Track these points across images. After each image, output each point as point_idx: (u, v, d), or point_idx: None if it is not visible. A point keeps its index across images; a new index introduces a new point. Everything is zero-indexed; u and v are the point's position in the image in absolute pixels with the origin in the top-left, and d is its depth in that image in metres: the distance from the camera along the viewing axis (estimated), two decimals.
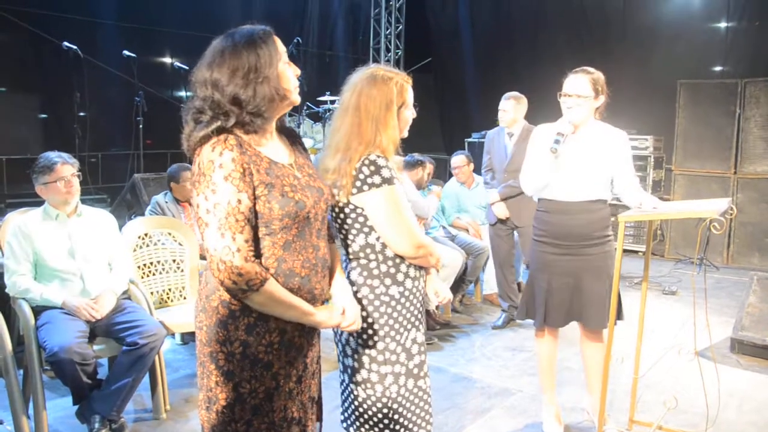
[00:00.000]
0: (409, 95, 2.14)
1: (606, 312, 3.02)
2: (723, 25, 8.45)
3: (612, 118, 3.17)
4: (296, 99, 1.81)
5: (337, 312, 1.89)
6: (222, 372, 1.75)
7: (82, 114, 6.87)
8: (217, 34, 1.78)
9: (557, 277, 3.10)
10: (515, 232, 4.96)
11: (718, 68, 8.50)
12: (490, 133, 5.10)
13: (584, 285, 3.06)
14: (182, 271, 3.96)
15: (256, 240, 1.71)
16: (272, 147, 1.81)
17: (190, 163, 1.74)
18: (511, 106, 4.80)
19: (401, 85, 2.10)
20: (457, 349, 4.53)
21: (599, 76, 3.05)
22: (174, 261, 3.95)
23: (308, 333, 1.86)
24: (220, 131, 1.68)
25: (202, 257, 4.44)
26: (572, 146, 3.03)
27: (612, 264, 3.03)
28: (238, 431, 1.77)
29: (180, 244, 3.97)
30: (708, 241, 7.17)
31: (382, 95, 2.05)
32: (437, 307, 5.15)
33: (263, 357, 1.76)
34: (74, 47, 6.20)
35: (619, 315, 3.09)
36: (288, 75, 1.78)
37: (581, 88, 2.99)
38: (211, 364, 1.76)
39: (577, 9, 9.50)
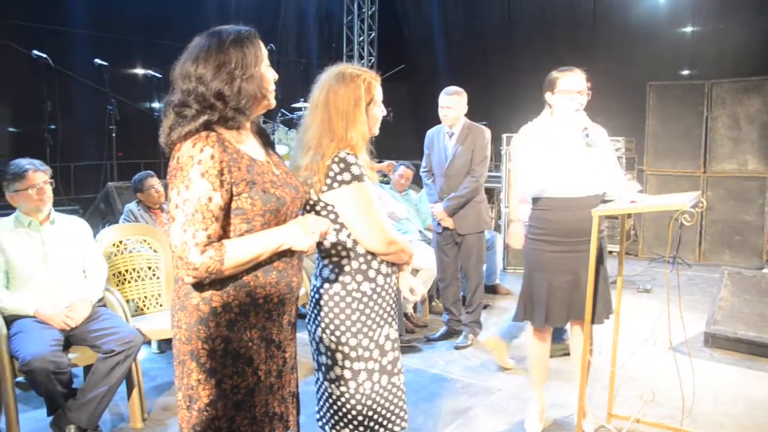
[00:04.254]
0: (378, 92, 2.16)
1: (603, 307, 3.07)
2: (689, 29, 8.65)
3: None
4: (273, 102, 1.85)
5: (305, 220, 1.86)
6: (204, 369, 1.74)
7: (53, 125, 6.77)
8: (188, 43, 1.78)
9: (558, 276, 3.10)
10: (457, 242, 4.67)
11: (686, 71, 8.69)
12: (430, 133, 4.79)
13: (583, 281, 3.05)
14: (158, 278, 3.92)
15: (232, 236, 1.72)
16: (250, 145, 1.83)
17: (168, 161, 1.73)
18: (455, 102, 4.50)
19: (369, 82, 2.13)
20: (436, 351, 4.54)
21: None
22: (149, 268, 3.92)
23: (286, 328, 1.88)
24: (206, 126, 1.70)
25: None
26: (568, 141, 3.05)
27: (606, 258, 3.08)
28: (221, 428, 1.76)
29: (155, 251, 3.93)
30: (680, 239, 7.29)
31: (350, 92, 2.08)
32: (414, 309, 5.17)
33: (245, 352, 1.76)
34: (44, 56, 6.11)
35: (608, 311, 3.14)
36: (269, 77, 1.82)
37: (584, 84, 3.07)
38: (192, 362, 1.75)
39: (549, 14, 9.70)
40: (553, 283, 3.10)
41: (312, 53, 10.87)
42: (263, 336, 1.79)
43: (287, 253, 1.81)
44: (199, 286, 1.69)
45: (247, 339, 1.76)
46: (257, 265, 1.74)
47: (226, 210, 1.70)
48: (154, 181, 4.64)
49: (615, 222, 7.06)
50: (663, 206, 2.81)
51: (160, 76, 6.99)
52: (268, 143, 1.96)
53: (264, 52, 1.81)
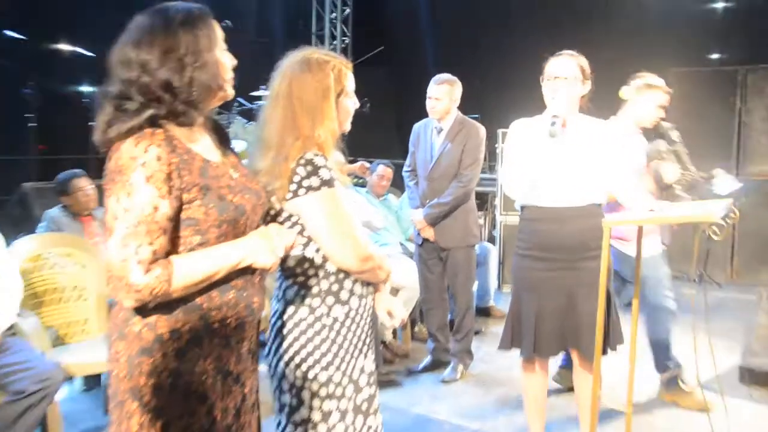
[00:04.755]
0: (350, 82, 2.19)
1: (605, 337, 3.07)
2: (721, 5, 8.69)
3: (593, 112, 3.25)
4: (230, 92, 1.86)
5: (267, 232, 1.85)
6: (148, 410, 1.71)
7: None
8: (128, 16, 1.77)
9: (548, 298, 3.12)
10: (441, 256, 4.69)
11: (715, 55, 8.75)
12: (416, 127, 4.85)
13: (579, 306, 3.08)
14: (85, 299, 3.89)
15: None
16: (203, 143, 1.84)
17: (102, 158, 1.72)
18: (445, 92, 4.52)
19: (339, 69, 2.15)
20: (419, 386, 4.54)
21: (584, 60, 3.17)
22: (75, 288, 3.88)
23: (246, 357, 1.88)
24: (152, 121, 1.69)
25: None
26: (562, 141, 3.07)
27: (611, 279, 3.11)
28: None
29: (82, 267, 3.90)
30: (708, 254, 7.32)
31: (317, 81, 2.09)
32: (394, 336, 5.16)
33: (197, 388, 1.74)
34: None
35: (617, 339, 3.16)
36: (226, 63, 1.82)
37: (569, 69, 3.10)
38: (133, 402, 1.71)
39: None
40: (543, 306, 3.13)
41: (275, 31, 10.89)
42: (219, 367, 1.79)
43: (247, 270, 1.80)
44: (142, 310, 1.68)
45: (200, 371, 1.74)
46: (212, 284, 1.74)
47: (175, 220, 1.69)
48: (84, 183, 4.57)
49: None
50: (687, 218, 2.82)
51: (92, 54, 6.88)
52: (223, 141, 1.96)
53: (219, 33, 1.81)
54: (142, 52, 1.69)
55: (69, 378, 3.62)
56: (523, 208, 3.23)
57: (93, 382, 4.34)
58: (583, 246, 3.09)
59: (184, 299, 1.70)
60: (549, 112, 3.08)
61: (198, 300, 1.72)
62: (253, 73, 9.26)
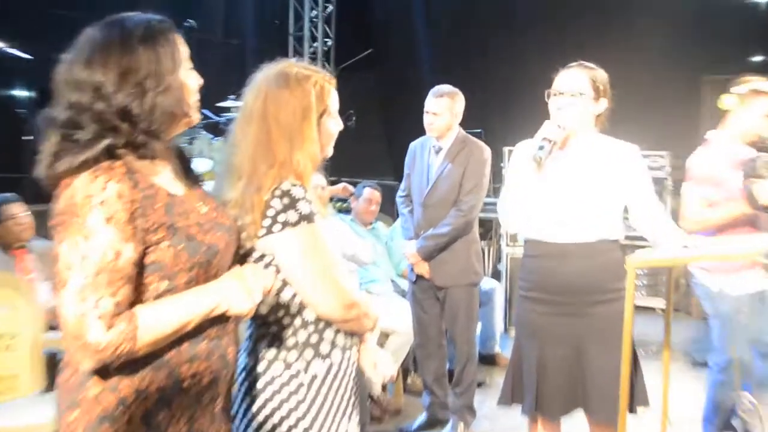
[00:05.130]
0: (333, 100, 2.21)
1: (616, 397, 2.98)
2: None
3: (614, 130, 3.22)
4: (196, 117, 1.89)
5: (242, 273, 1.84)
6: None
7: None
8: (73, 10, 1.70)
9: (552, 347, 3.10)
10: (438, 296, 4.69)
11: (758, 58, 8.70)
12: (413, 146, 4.86)
13: (590, 359, 3.05)
14: (15, 350, 3.80)
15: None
16: (166, 175, 1.85)
17: (48, 196, 1.71)
18: (446, 107, 4.52)
19: (321, 86, 2.16)
20: None
21: (601, 74, 3.13)
22: (2, 336, 3.78)
23: (219, 417, 1.91)
24: (108, 152, 1.68)
25: (53, 327, 4.26)
26: (565, 165, 3.06)
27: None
28: None
29: (13, 309, 3.84)
30: None
31: (296, 99, 2.10)
32: (383, 389, 5.08)
33: None
34: None
35: (640, 400, 3.10)
36: (191, 86, 1.85)
37: (577, 84, 3.06)
38: None
39: None
40: (546, 357, 3.10)
41: (247, 32, 10.89)
42: (192, 430, 1.81)
43: (221, 317, 1.80)
44: (102, 370, 1.65)
45: None
46: (182, 335, 1.74)
47: (139, 265, 1.69)
48: (16, 209, 4.52)
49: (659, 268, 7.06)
50: (730, 256, 2.78)
51: (28, 56, 6.77)
52: (187, 168, 1.98)
53: (183, 50, 1.81)
54: (95, 73, 1.68)
55: None
56: (525, 242, 3.24)
57: None
58: (593, 288, 3.06)
59: (151, 354, 1.69)
60: (540, 134, 3.05)
61: (166, 354, 1.72)
62: (221, 80, 9.25)
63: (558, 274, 3.07)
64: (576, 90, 3.05)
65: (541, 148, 2.96)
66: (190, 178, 1.95)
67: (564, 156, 3.06)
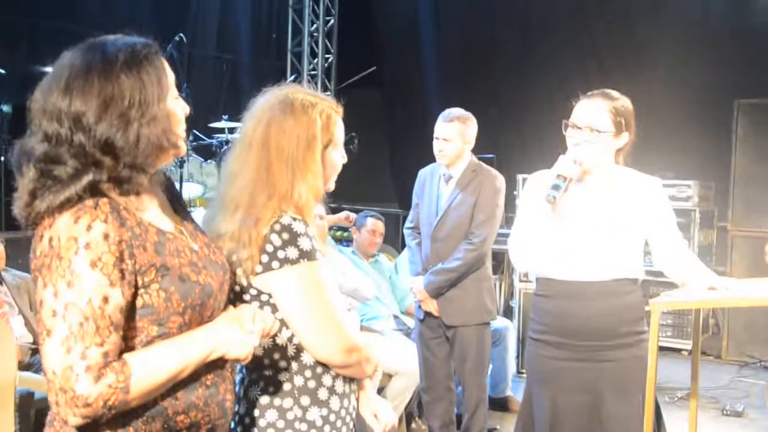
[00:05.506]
0: (339, 131, 2.21)
1: None
2: None
3: (637, 156, 3.24)
4: (184, 148, 1.86)
5: (239, 315, 1.84)
6: None
7: None
8: (52, 20, 1.71)
9: (567, 394, 3.10)
10: (447, 335, 4.70)
11: None
12: (422, 174, 4.91)
13: (607, 407, 3.04)
14: None
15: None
16: (153, 210, 1.82)
17: (25, 234, 1.71)
18: (456, 132, 4.54)
19: (328, 115, 2.17)
20: None
21: (625, 104, 3.12)
22: None
23: None
24: (92, 190, 1.65)
25: (27, 366, 4.25)
26: (582, 199, 3.08)
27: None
28: None
29: None
30: None
31: (300, 128, 2.11)
32: None
33: None
34: None
35: None
36: (178, 115, 1.81)
37: (597, 118, 3.05)
38: None
39: (588, 4, 9.73)
40: (560, 405, 3.10)
41: (241, 47, 10.91)
42: None
43: (218, 362, 1.80)
44: (92, 425, 1.62)
45: None
46: (177, 383, 1.72)
47: (129, 310, 1.67)
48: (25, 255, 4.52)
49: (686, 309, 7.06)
50: (760, 300, 2.78)
51: (1, 71, 6.76)
52: (176, 200, 1.97)
53: (171, 75, 1.80)
54: (75, 101, 1.64)
55: None
56: (537, 280, 3.25)
57: None
58: (611, 330, 3.07)
59: (144, 405, 1.67)
60: (555, 170, 3.05)
61: (160, 404, 1.70)
62: (213, 97, 9.29)
63: (573, 316, 3.07)
64: (595, 125, 3.03)
65: (555, 187, 2.96)
66: (179, 211, 1.95)
67: (581, 189, 3.07)
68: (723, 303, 2.88)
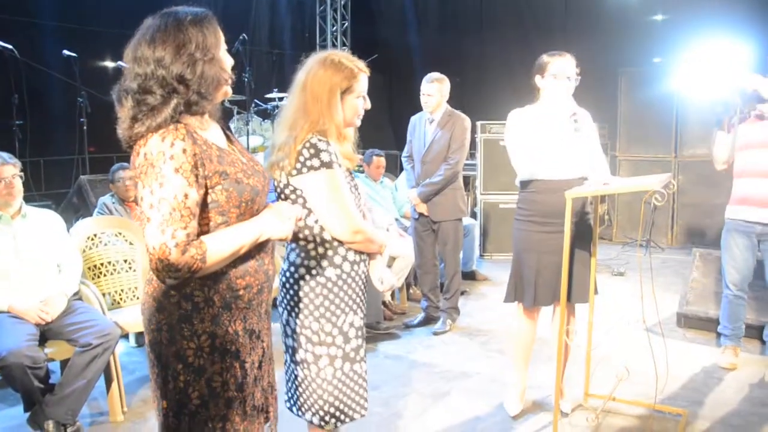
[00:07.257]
0: (359, 84, 2.14)
1: (588, 287, 3.12)
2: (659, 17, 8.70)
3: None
4: (230, 91, 1.79)
5: (278, 208, 1.83)
6: (192, 369, 1.70)
7: (21, 119, 6.61)
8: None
9: (546, 256, 3.11)
10: (434, 229, 4.68)
11: (657, 59, 8.75)
12: (413, 119, 4.82)
13: (572, 262, 3.06)
14: (134, 271, 3.89)
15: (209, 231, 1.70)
16: (214, 132, 1.79)
17: (129, 151, 1.65)
18: (436, 89, 4.52)
19: (351, 70, 2.12)
20: (414, 337, 4.58)
21: None
22: (125, 261, 3.88)
23: (263, 318, 1.87)
24: (175, 114, 1.62)
25: None
26: (556, 125, 3.07)
27: (596, 238, 3.18)
28: (215, 429, 1.74)
29: (130, 244, 3.90)
30: (653, 223, 7.40)
31: (327, 77, 2.09)
32: (393, 297, 5.20)
33: (231, 347, 1.74)
34: (9, 47, 5.95)
35: (596, 290, 3.24)
36: (228, 61, 1.75)
37: (574, 69, 3.08)
38: (178, 364, 1.70)
39: (522, 3, 9.73)
40: (542, 263, 3.12)
41: (285, 44, 10.78)
42: (246, 327, 1.78)
43: (264, 243, 1.79)
44: (180, 284, 1.64)
45: (232, 332, 1.73)
46: (237, 257, 1.72)
47: (202, 204, 1.65)
48: (126, 173, 4.56)
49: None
50: (634, 187, 2.87)
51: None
52: (228, 129, 1.92)
53: (221, 35, 1.73)
54: (157, 49, 1.61)
55: (124, 335, 3.67)
56: (524, 183, 3.18)
57: (143, 338, 4.37)
58: (576, 212, 3.06)
59: (214, 272, 1.68)
60: (562, 109, 3.06)
61: (226, 271, 1.70)
62: (267, 78, 9.25)
63: (556, 203, 2.99)
64: (575, 73, 3.06)
65: (576, 121, 3.00)
66: (230, 137, 1.88)
67: (556, 118, 3.07)
68: (611, 191, 2.93)
